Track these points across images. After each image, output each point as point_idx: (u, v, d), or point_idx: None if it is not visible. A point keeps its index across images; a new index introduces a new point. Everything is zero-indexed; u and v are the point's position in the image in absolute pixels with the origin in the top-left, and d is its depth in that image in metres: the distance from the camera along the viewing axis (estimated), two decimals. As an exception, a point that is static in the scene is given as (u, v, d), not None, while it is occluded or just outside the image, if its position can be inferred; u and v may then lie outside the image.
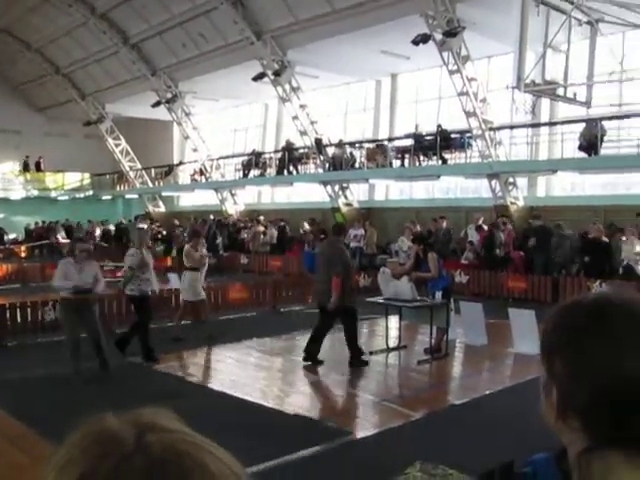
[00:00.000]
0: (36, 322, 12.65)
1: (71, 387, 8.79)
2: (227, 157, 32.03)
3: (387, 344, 11.35)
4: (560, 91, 13.60)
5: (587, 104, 13.92)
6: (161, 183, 35.66)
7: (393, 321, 11.94)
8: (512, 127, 21.30)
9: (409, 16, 19.28)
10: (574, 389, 1.11)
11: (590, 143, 18.36)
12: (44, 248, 31.94)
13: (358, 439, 6.99)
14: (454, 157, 22.63)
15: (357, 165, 25.35)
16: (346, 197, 26.02)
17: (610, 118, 18.33)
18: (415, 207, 24.47)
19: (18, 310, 12.60)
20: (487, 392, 8.89)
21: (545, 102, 19.92)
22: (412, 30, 19.08)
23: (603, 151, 18.44)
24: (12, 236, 34.19)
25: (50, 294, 12.00)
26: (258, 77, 24.82)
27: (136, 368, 10.14)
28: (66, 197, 38.17)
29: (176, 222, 30.51)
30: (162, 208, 36.42)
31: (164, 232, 30.52)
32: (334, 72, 25.45)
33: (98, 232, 32.57)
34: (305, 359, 10.40)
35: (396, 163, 24.10)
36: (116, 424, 0.74)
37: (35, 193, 37.16)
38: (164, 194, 35.95)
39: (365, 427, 7.52)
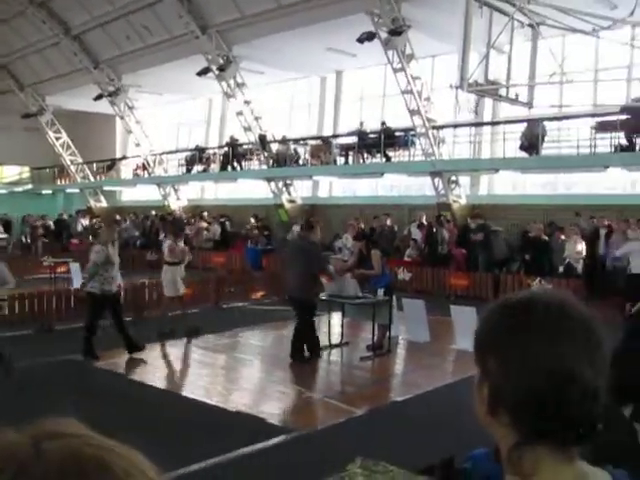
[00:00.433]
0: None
1: (5, 387, 8.57)
2: (170, 152, 31.65)
3: (330, 341, 11.35)
4: (502, 91, 13.75)
5: (529, 105, 14.11)
6: (103, 177, 35.09)
7: (336, 318, 11.96)
8: (455, 126, 21.54)
9: (355, 14, 19.32)
10: (504, 386, 1.14)
11: (531, 143, 18.69)
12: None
13: (300, 436, 6.97)
14: (398, 155, 22.77)
15: (301, 162, 25.35)
16: (290, 194, 25.98)
17: (551, 119, 18.69)
18: (359, 204, 24.55)
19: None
20: (429, 388, 8.97)
21: (488, 102, 20.19)
22: (358, 28, 19.13)
23: (544, 151, 18.80)
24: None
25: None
26: (203, 72, 24.57)
27: (77, 365, 9.94)
28: (4, 191, 37.21)
29: (117, 217, 30.10)
30: (104, 203, 35.82)
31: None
32: (279, 68, 25.36)
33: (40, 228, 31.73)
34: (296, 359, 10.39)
35: (340, 160, 24.15)
36: (13, 436, 0.70)
37: (-29, 186, 36.25)
38: (106, 189, 35.34)
39: (307, 424, 7.51)
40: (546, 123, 18.72)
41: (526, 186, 21.66)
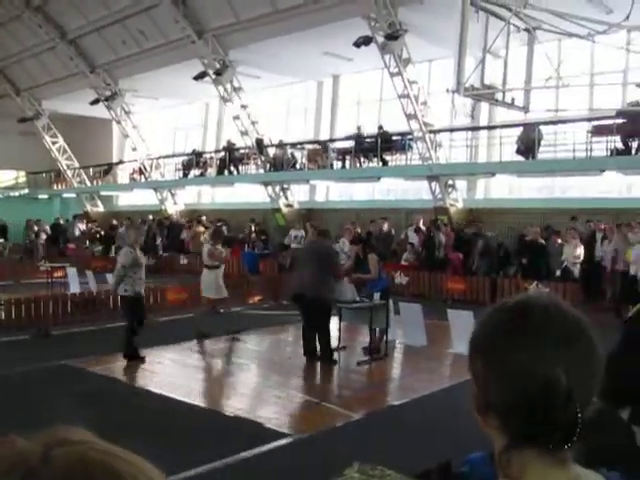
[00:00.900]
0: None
1: (2, 392, 8.55)
2: (167, 156, 31.65)
3: (327, 345, 11.33)
4: (499, 96, 13.77)
5: (525, 109, 14.13)
6: (99, 182, 35.03)
7: (333, 322, 11.95)
8: (452, 130, 21.59)
9: (352, 18, 19.36)
10: (492, 389, 1.16)
11: (527, 147, 18.72)
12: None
13: (297, 440, 6.96)
14: (395, 159, 22.81)
15: (298, 166, 25.34)
16: (287, 198, 25.98)
17: (547, 123, 18.73)
18: (355, 208, 24.56)
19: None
20: (426, 393, 8.97)
21: (484, 106, 20.24)
22: (354, 32, 19.17)
23: (540, 155, 18.83)
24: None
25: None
26: (199, 76, 24.59)
27: (73, 371, 9.92)
28: (0, 195, 37.17)
29: (114, 222, 30.07)
30: (100, 208, 35.78)
31: (102, 232, 30.02)
32: (276, 72, 25.39)
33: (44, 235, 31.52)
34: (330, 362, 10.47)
35: (337, 164, 24.17)
36: (23, 442, 0.72)
37: (-33, 191, 36.17)
38: (102, 193, 35.32)
39: (305, 428, 7.50)
40: (542, 127, 18.77)
41: (522, 190, 21.68)
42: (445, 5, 14.39)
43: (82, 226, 31.65)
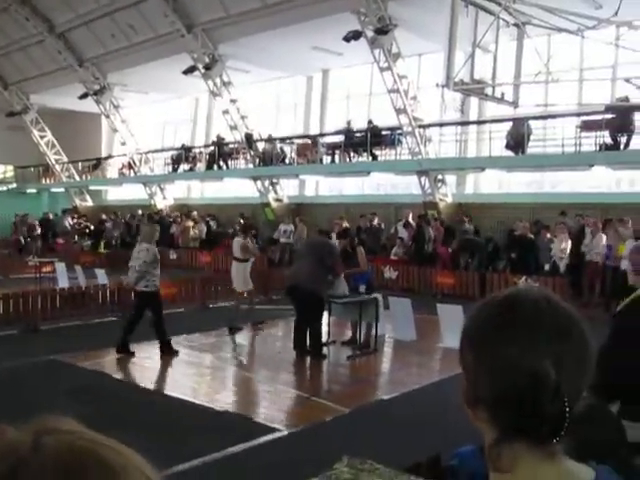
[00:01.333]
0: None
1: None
2: (156, 151, 31.55)
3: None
4: (488, 90, 13.77)
5: (514, 104, 14.14)
6: (88, 177, 34.91)
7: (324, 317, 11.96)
8: (441, 125, 21.61)
9: (341, 13, 19.34)
10: (482, 382, 1.16)
11: (517, 142, 18.77)
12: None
13: (287, 435, 6.97)
14: (384, 154, 22.83)
15: (287, 160, 25.33)
16: (276, 192, 25.97)
17: (536, 118, 18.77)
18: (345, 203, 24.56)
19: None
20: (416, 387, 8.99)
21: (474, 101, 20.24)
22: (344, 27, 19.15)
23: (529, 150, 18.88)
24: None
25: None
26: (189, 70, 24.53)
27: (61, 365, 9.89)
28: (-12, 190, 37.02)
29: (103, 217, 29.97)
30: (89, 202, 35.67)
31: (92, 227, 29.90)
32: (265, 67, 25.35)
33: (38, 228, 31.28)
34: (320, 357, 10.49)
35: (326, 159, 24.16)
36: (13, 431, 0.73)
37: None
38: (91, 188, 35.20)
39: (294, 423, 7.51)
40: (531, 122, 18.82)
41: (512, 185, 21.73)
42: (435, -1, 14.40)
43: (71, 221, 31.53)
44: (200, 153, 29.01)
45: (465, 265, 18.46)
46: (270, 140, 25.54)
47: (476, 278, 17.32)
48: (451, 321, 10.53)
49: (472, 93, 14.43)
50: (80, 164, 35.13)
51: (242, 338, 12.60)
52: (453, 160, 21.30)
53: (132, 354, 10.53)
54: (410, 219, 20.44)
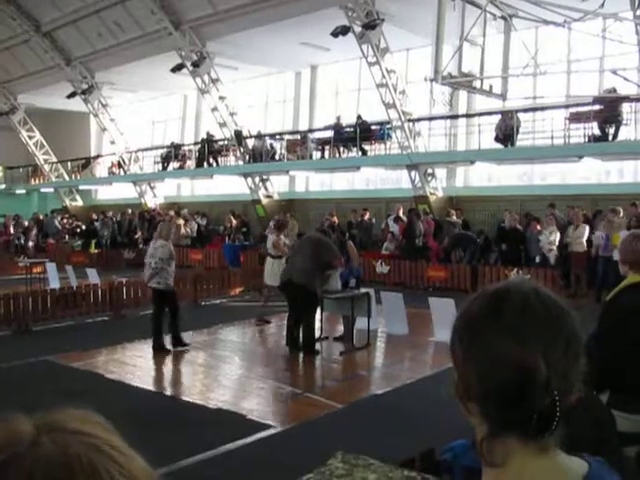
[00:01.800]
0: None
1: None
2: (146, 149, 31.45)
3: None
4: (477, 84, 13.81)
5: (503, 97, 14.19)
6: (78, 176, 34.77)
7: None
8: (430, 119, 21.61)
9: (329, 8, 19.31)
10: (472, 376, 1.16)
11: (506, 135, 18.81)
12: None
13: (280, 431, 6.97)
14: (374, 148, 22.83)
15: (277, 157, 25.30)
16: (266, 189, 25.95)
17: (525, 110, 18.80)
18: (336, 198, 24.56)
19: None
20: (408, 381, 9.00)
21: (462, 94, 20.28)
22: (332, 22, 19.13)
23: (519, 143, 18.93)
24: None
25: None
26: (177, 68, 24.46)
27: (54, 366, 9.86)
28: (-23, 191, 36.83)
29: (94, 216, 29.86)
30: (79, 202, 35.53)
31: (84, 226, 29.73)
32: (254, 63, 25.30)
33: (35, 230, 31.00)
34: (313, 352, 10.48)
35: (316, 155, 24.15)
36: (20, 422, 0.74)
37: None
38: (81, 188, 35.06)
39: (288, 419, 7.51)
40: (520, 114, 18.85)
41: (502, 177, 21.78)
42: (422, -7, 14.40)
43: (61, 221, 31.39)
44: (190, 151, 28.94)
45: (457, 259, 18.50)
46: (259, 137, 25.49)
47: (468, 271, 17.35)
48: (443, 315, 10.55)
49: (460, 86, 14.46)
50: (69, 164, 34.97)
51: (235, 335, 12.60)
52: (443, 154, 21.33)
53: (167, 351, 10.63)
54: (401, 214, 20.46)
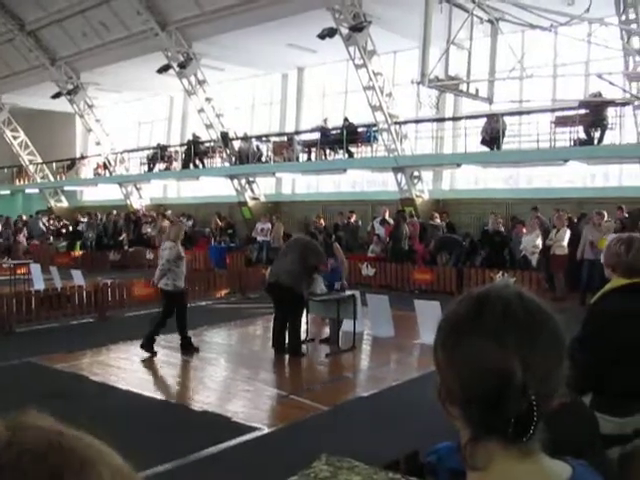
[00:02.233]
0: None
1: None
2: (132, 151, 31.36)
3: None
4: (463, 87, 13.85)
5: (489, 100, 14.24)
6: (63, 177, 34.61)
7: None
8: (417, 121, 21.66)
9: (316, 10, 19.32)
10: (452, 380, 1.16)
11: (492, 137, 18.87)
12: None
13: (266, 434, 6.95)
14: (360, 151, 22.86)
15: (264, 159, 25.28)
16: (253, 191, 25.92)
17: (512, 114, 18.88)
18: (322, 200, 24.58)
19: None
20: (394, 383, 9.00)
21: (449, 97, 20.34)
22: (319, 24, 19.15)
23: (505, 146, 19.00)
24: None
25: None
26: (163, 69, 24.40)
27: (38, 368, 9.80)
28: (-42, 191, 36.53)
29: (80, 217, 29.72)
30: (65, 203, 35.36)
31: (70, 228, 29.55)
32: (240, 65, 25.28)
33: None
34: (298, 355, 10.46)
35: (303, 157, 24.15)
36: None
37: None
38: (66, 189, 34.90)
39: (273, 421, 7.50)
40: (506, 118, 18.93)
41: (488, 181, 21.85)
42: (409, -4, 14.43)
43: (46, 222, 31.23)
44: (176, 152, 28.87)
45: (443, 262, 18.55)
46: (246, 138, 25.48)
47: (453, 274, 17.38)
48: (429, 317, 10.55)
49: (447, 89, 14.50)
50: (54, 165, 34.82)
51: (221, 337, 12.57)
52: (429, 157, 21.38)
53: (155, 354, 10.56)
54: (387, 216, 20.49)
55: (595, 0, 12.42)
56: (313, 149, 23.70)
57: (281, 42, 22.37)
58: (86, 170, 33.99)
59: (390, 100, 20.71)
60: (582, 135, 17.63)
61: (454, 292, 16.12)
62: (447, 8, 12.96)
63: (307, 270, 10.35)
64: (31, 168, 35.13)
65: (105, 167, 31.73)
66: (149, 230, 26.77)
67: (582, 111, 17.56)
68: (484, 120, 19.34)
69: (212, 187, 28.17)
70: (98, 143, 31.16)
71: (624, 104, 16.85)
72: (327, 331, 11.67)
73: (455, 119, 21.89)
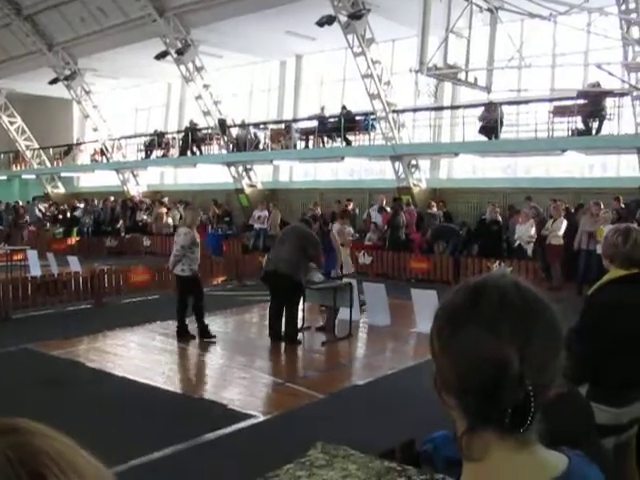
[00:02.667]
0: None
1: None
2: (129, 137, 31.26)
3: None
4: (462, 75, 13.81)
5: (487, 89, 14.21)
6: (60, 163, 34.53)
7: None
8: (415, 110, 21.61)
9: (315, -3, 19.24)
10: (448, 370, 1.16)
11: (489, 127, 18.84)
12: None
13: (262, 421, 6.97)
14: (358, 139, 22.82)
15: (261, 146, 25.24)
16: (250, 178, 25.88)
17: (510, 103, 18.85)
18: (319, 188, 24.55)
19: None
20: (390, 372, 9.02)
21: (447, 86, 20.29)
22: (317, 11, 19.07)
23: (502, 135, 18.98)
24: None
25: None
26: (161, 55, 24.29)
27: (34, 354, 9.80)
28: (-45, 176, 36.43)
29: (77, 204, 29.66)
30: (61, 189, 35.27)
31: (68, 214, 29.44)
32: (238, 52, 25.18)
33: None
34: (295, 343, 10.46)
35: (300, 144, 24.12)
36: None
37: None
38: (63, 175, 34.82)
39: (269, 409, 7.51)
40: (504, 107, 18.90)
41: (486, 170, 21.85)
42: (408, -16, 14.37)
43: (43, 208, 31.16)
44: (173, 139, 28.79)
45: (440, 251, 18.56)
46: (243, 126, 25.42)
47: (450, 263, 17.38)
48: (425, 306, 10.57)
49: (445, 78, 14.47)
50: (51, 150, 34.71)
51: (217, 324, 12.57)
52: (427, 145, 21.34)
53: (213, 337, 10.69)
54: (384, 204, 20.48)
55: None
56: (311, 137, 23.67)
57: (279, 29, 22.28)
58: (83, 156, 33.88)
59: (388, 88, 20.66)
60: (580, 125, 17.62)
61: (451, 281, 16.15)
62: (446, -4, 12.93)
63: (306, 259, 10.36)
64: (28, 154, 35.01)
65: (102, 153, 31.64)
66: (144, 217, 26.75)
67: (580, 101, 17.53)
68: (482, 109, 19.30)
69: (209, 174, 28.10)
70: (95, 129, 31.05)
71: (622, 94, 16.83)
72: (323, 319, 11.68)
73: (453, 108, 21.86)
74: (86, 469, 0.71)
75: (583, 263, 14.72)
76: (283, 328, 10.53)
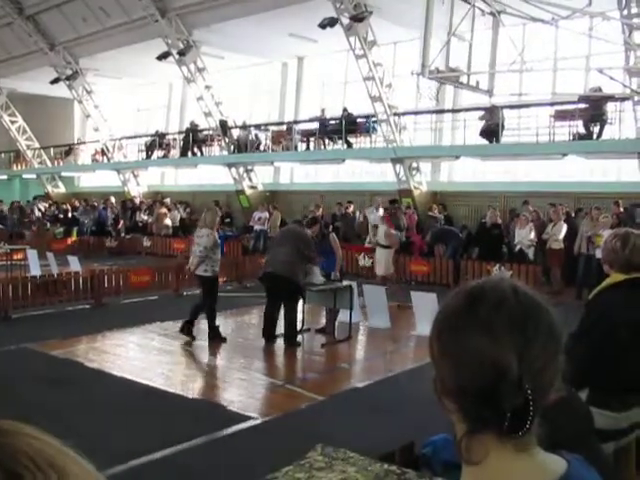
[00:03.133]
0: None
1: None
2: (130, 137, 31.26)
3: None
4: (463, 79, 13.83)
5: (489, 93, 14.22)
6: (61, 163, 34.53)
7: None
8: (416, 113, 21.62)
9: (317, -1, 19.26)
10: (447, 373, 1.16)
11: (490, 130, 18.84)
12: None
13: (260, 423, 6.97)
14: (359, 141, 22.82)
15: (262, 148, 25.24)
16: (251, 180, 25.88)
17: (511, 107, 18.86)
18: (320, 190, 24.54)
19: None
20: (390, 374, 9.02)
21: (449, 89, 20.30)
22: (320, 13, 19.09)
23: (503, 139, 18.98)
24: None
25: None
26: (162, 56, 24.30)
27: (34, 354, 9.80)
28: (-44, 176, 36.43)
29: (77, 203, 29.66)
30: (62, 189, 35.27)
31: (69, 214, 29.42)
32: (240, 53, 25.17)
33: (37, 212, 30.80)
34: (294, 344, 10.46)
35: (301, 146, 24.12)
36: None
37: None
38: (64, 174, 34.82)
39: (268, 411, 7.51)
40: (506, 111, 18.90)
41: (487, 173, 21.83)
42: (410, -13, 14.38)
43: (42, 207, 31.16)
44: (174, 140, 28.80)
45: (440, 254, 18.55)
46: (245, 127, 25.43)
47: (450, 266, 17.38)
48: (425, 309, 10.57)
49: (447, 81, 14.49)
50: (52, 150, 34.71)
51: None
52: (428, 148, 21.36)
53: (224, 339, 10.73)
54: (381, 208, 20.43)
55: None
56: (312, 139, 23.67)
57: (282, 31, 22.29)
58: (84, 156, 33.88)
59: (390, 91, 20.67)
60: (581, 129, 17.61)
61: (451, 284, 16.15)
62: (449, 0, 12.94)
63: (302, 260, 10.36)
64: (29, 153, 35.01)
65: (103, 153, 31.65)
66: (144, 217, 26.75)
67: (582, 105, 17.54)
68: (483, 112, 19.31)
69: (210, 175, 28.10)
70: (96, 129, 31.06)
71: (624, 99, 16.84)
72: (323, 321, 11.68)
73: (454, 111, 21.86)
74: (67, 467, 0.70)
75: (583, 267, 14.72)
76: (282, 330, 10.53)
